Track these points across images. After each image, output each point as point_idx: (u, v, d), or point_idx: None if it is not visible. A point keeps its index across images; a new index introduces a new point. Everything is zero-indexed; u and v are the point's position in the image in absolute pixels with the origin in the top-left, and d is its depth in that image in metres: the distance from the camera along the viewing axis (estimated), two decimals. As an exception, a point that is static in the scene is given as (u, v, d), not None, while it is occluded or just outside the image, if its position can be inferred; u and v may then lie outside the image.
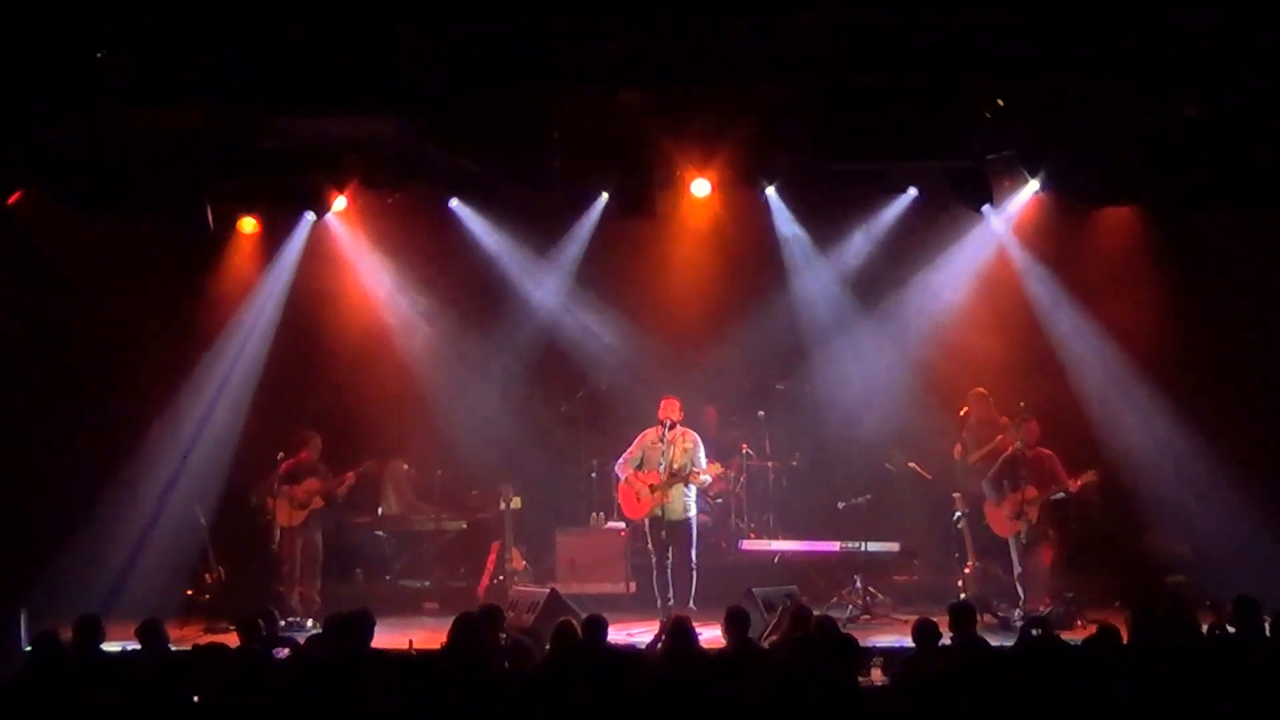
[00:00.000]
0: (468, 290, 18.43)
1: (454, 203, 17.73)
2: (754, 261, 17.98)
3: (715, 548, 17.39)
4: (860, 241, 17.70)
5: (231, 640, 11.37)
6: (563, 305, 18.27)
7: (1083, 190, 16.02)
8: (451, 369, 18.28)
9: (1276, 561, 15.07)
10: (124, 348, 17.43)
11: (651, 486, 15.16)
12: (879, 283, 17.87)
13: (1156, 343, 16.80)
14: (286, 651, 11.07)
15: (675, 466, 15.13)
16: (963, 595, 15.28)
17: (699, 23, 13.41)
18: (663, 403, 15.36)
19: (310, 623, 15.43)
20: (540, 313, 18.28)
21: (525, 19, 13.29)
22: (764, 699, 9.12)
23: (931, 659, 10.20)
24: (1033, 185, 16.50)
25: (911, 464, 17.21)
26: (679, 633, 10.45)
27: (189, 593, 16.42)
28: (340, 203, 17.18)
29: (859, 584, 16.08)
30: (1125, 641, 10.23)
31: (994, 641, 11.41)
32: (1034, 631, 10.74)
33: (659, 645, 12.23)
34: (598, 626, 10.70)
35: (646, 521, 15.34)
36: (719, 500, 17.61)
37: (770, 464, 17.92)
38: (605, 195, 17.11)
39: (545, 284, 18.24)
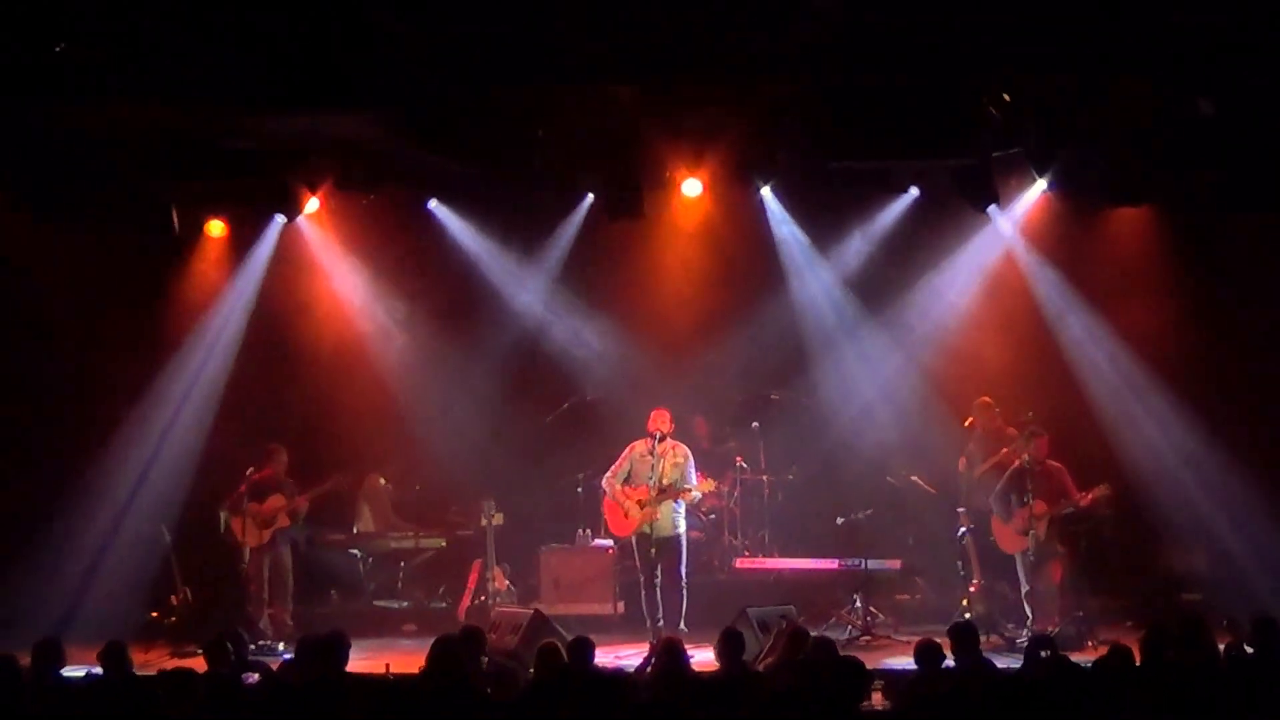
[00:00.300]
0: (447, 296, 18.44)
1: (433, 204, 17.75)
2: (747, 265, 18.01)
3: (708, 566, 17.42)
4: (859, 243, 17.72)
5: (199, 665, 11.35)
6: (547, 311, 18.29)
7: (1093, 189, 16.06)
8: (430, 379, 18.28)
9: (1298, 579, 15.15)
10: (83, 357, 17.44)
11: (640, 502, 15.13)
12: (880, 287, 17.90)
13: (1171, 349, 16.84)
14: (256, 677, 11.04)
15: (665, 482, 15.09)
16: (967, 615, 15.27)
17: (694, 16, 13.44)
18: (653, 414, 15.33)
19: (282, 646, 15.41)
20: (524, 319, 18.29)
21: (510, 10, 13.32)
22: (759, 724, 9.13)
23: (935, 682, 10.20)
24: (1040, 184, 16.53)
25: (914, 477, 17.23)
26: (669, 655, 10.45)
27: (154, 615, 16.40)
28: (313, 204, 17.19)
29: (859, 603, 16.08)
30: (1138, 663, 10.24)
31: (1000, 663, 11.43)
32: (1042, 653, 10.73)
33: (649, 668, 12.23)
34: (584, 649, 10.71)
35: (634, 539, 15.31)
36: (712, 516, 17.63)
37: (765, 478, 17.93)
38: (591, 196, 17.13)
39: (529, 289, 18.25)
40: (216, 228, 17.68)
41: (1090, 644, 14.47)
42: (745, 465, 17.82)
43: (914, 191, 17.11)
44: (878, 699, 11.07)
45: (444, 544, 17.87)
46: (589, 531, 17.28)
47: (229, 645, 11.42)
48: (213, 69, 13.58)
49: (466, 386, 18.34)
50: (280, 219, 17.43)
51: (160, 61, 13.53)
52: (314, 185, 16.91)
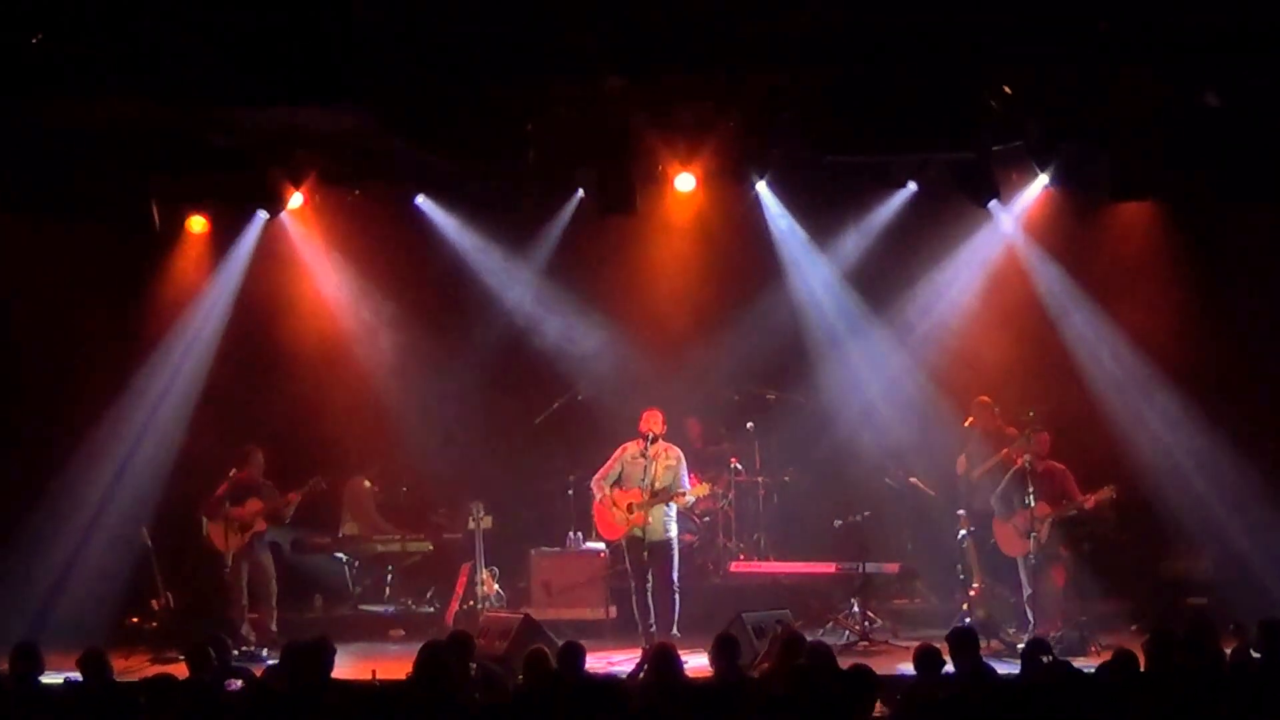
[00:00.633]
0: (434, 293, 18.44)
1: (420, 199, 17.74)
2: (742, 262, 18.01)
3: (702, 570, 17.43)
4: (856, 239, 17.72)
5: (180, 671, 11.34)
6: (537, 309, 18.26)
7: (1095, 184, 16.06)
8: (417, 378, 18.27)
9: (1305, 582, 15.18)
10: (60, 354, 17.42)
11: (631, 506, 15.13)
12: (878, 284, 17.91)
13: (1176, 346, 16.86)
14: (239, 683, 11.04)
15: (658, 485, 15.07)
16: (967, 619, 15.30)
17: (685, 7, 13.44)
18: (644, 415, 15.31)
19: (265, 652, 15.39)
20: (513, 317, 18.28)
21: (497, 1, 13.31)
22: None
23: (934, 688, 10.21)
24: (1042, 179, 16.56)
25: (913, 479, 17.24)
26: (662, 661, 10.45)
27: (134, 620, 16.40)
28: (296, 199, 17.16)
29: (856, 607, 16.09)
30: (1142, 668, 10.25)
31: (1001, 669, 11.44)
32: (1044, 658, 10.74)
33: (641, 674, 12.24)
34: (573, 655, 10.71)
35: (624, 542, 15.33)
36: (706, 519, 17.63)
37: (760, 480, 17.95)
38: (581, 192, 17.14)
39: (518, 286, 18.24)
40: (198, 223, 17.66)
41: (1093, 649, 14.48)
42: (740, 467, 17.82)
43: (912, 186, 17.11)
44: (876, 705, 11.08)
45: (431, 548, 17.88)
46: (580, 535, 17.27)
47: (211, 651, 11.42)
48: (194, 62, 13.54)
49: (454, 386, 18.33)
50: (263, 214, 17.40)
51: (141, 54, 13.49)
52: (298, 180, 16.89)
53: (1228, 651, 11.17)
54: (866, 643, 15.60)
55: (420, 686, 10.12)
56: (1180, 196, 16.33)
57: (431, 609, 17.52)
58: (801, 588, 17.04)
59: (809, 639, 11.70)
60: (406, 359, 18.30)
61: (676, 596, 15.18)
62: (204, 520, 16.37)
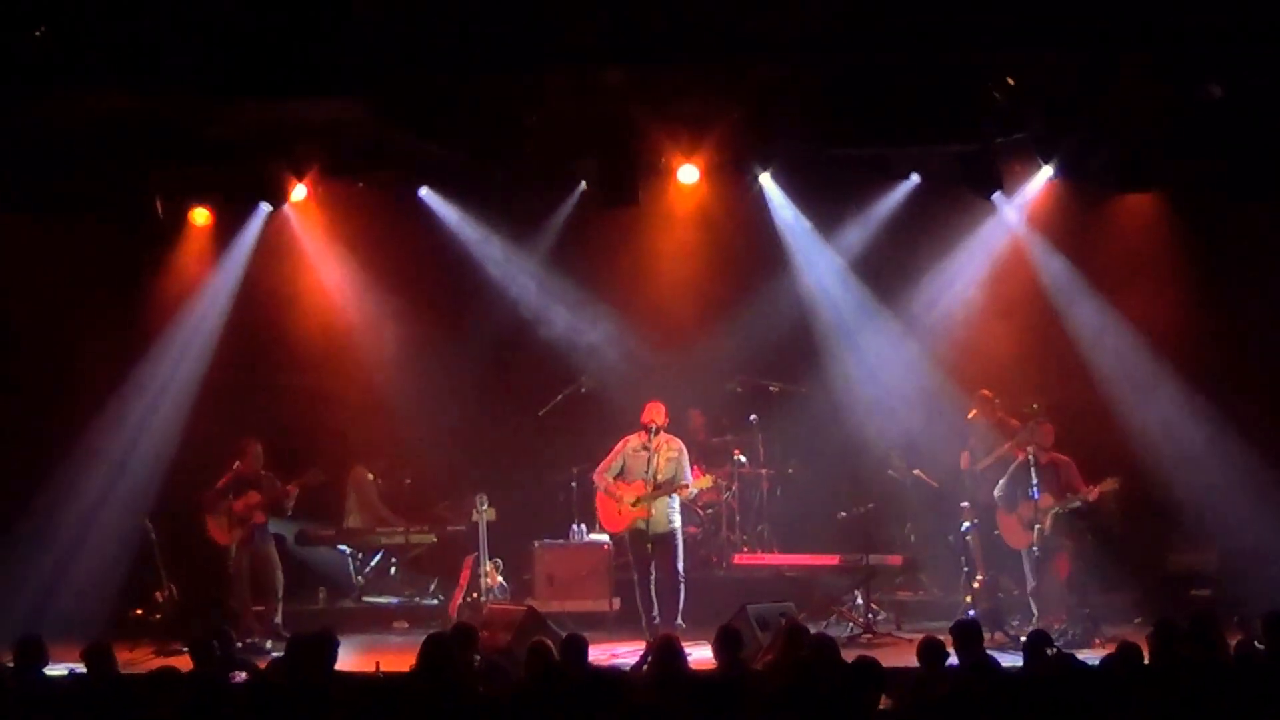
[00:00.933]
0: (438, 285, 18.44)
1: (424, 191, 17.74)
2: (745, 254, 18.01)
3: (706, 562, 17.43)
4: (859, 232, 17.71)
5: (184, 663, 11.36)
6: (540, 301, 18.26)
7: (1099, 176, 16.06)
8: (420, 370, 18.27)
9: (1310, 574, 15.17)
10: (63, 349, 17.41)
11: (635, 498, 15.13)
12: (882, 276, 17.91)
13: (1181, 339, 16.87)
14: (243, 675, 11.05)
15: (661, 477, 15.10)
16: (971, 612, 15.30)
17: (686, -3, 13.49)
18: (647, 407, 15.33)
19: (269, 644, 15.41)
20: (516, 309, 18.26)
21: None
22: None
23: (938, 680, 10.21)
24: (1046, 171, 16.55)
25: (917, 471, 17.24)
26: (666, 653, 10.46)
27: (138, 612, 16.41)
28: (300, 192, 17.14)
29: (860, 600, 16.10)
30: (1146, 661, 10.25)
31: (1005, 661, 11.44)
32: (1048, 650, 10.74)
33: (645, 667, 12.25)
34: (577, 647, 10.71)
35: (628, 535, 15.34)
36: (709, 511, 17.63)
37: (764, 472, 17.94)
38: (584, 184, 17.13)
39: (522, 278, 18.23)
40: (201, 216, 17.65)
41: (1097, 641, 14.47)
42: (743, 459, 17.81)
43: (915, 178, 17.10)
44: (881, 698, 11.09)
45: (435, 539, 17.88)
46: (584, 527, 17.26)
47: (215, 643, 11.42)
48: (195, 55, 13.57)
49: (457, 378, 18.33)
50: (265, 207, 17.40)
51: (141, 48, 13.52)
52: (300, 172, 16.87)
53: (1232, 644, 11.17)
54: (870, 635, 15.59)
55: (424, 679, 10.13)
56: (1184, 188, 16.35)
57: (435, 601, 17.54)
58: (805, 580, 17.03)
59: (813, 631, 11.71)
60: (410, 351, 18.30)
61: (681, 588, 15.20)
62: (205, 514, 16.38)
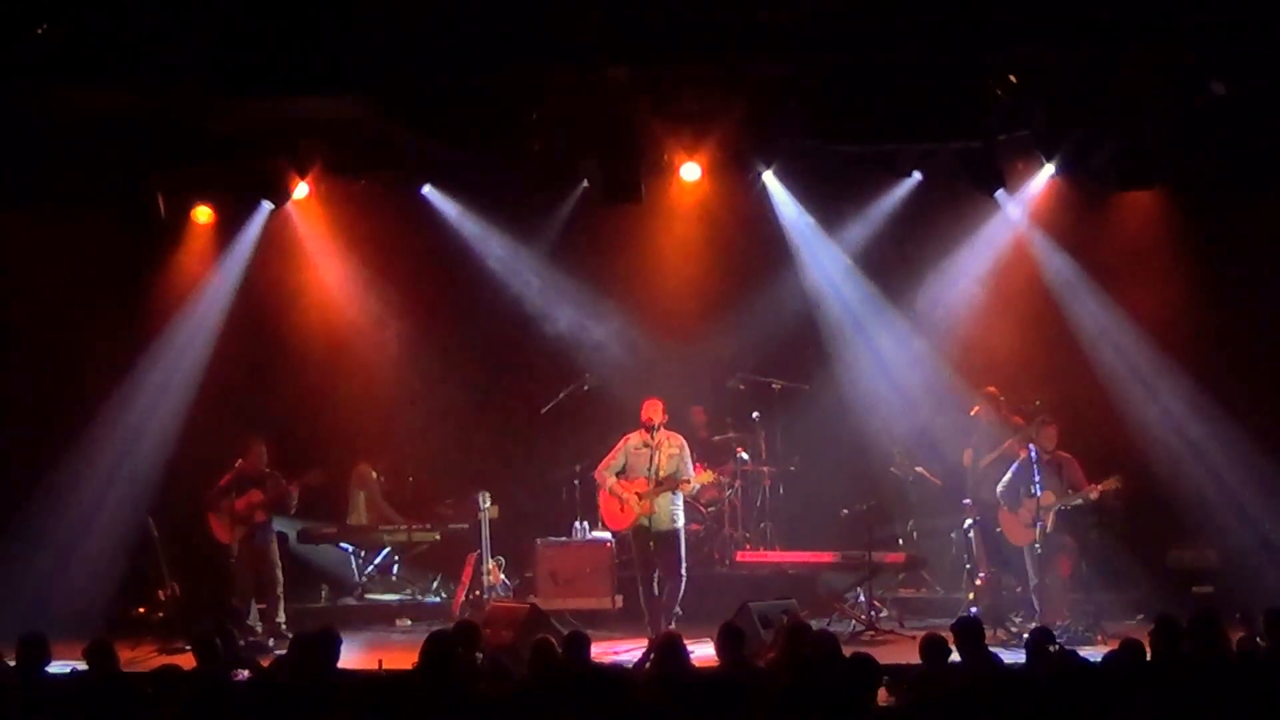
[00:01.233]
0: (440, 283, 18.45)
1: (427, 189, 17.73)
2: (748, 251, 18.01)
3: (708, 559, 17.43)
4: (862, 229, 17.71)
5: (187, 661, 11.37)
6: (543, 299, 18.25)
7: (1102, 173, 16.04)
8: (422, 368, 18.29)
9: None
10: (65, 347, 17.39)
11: (638, 495, 15.14)
12: (885, 274, 17.91)
13: (1183, 335, 16.87)
14: (246, 674, 11.06)
15: (662, 474, 15.11)
16: (974, 609, 15.32)
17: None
18: (645, 404, 15.32)
19: (272, 642, 15.41)
20: (519, 307, 18.26)
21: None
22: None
23: (940, 677, 10.22)
24: (1048, 168, 16.54)
25: (919, 468, 17.25)
26: (668, 651, 10.45)
27: (140, 610, 16.42)
28: (302, 189, 17.13)
29: (862, 597, 16.12)
30: (1148, 658, 10.26)
31: (1007, 658, 11.45)
32: (1051, 647, 10.74)
33: (647, 664, 12.25)
34: (579, 644, 10.71)
35: (631, 532, 15.35)
36: (711, 509, 17.63)
37: (767, 469, 17.93)
38: (585, 182, 17.13)
39: (524, 276, 18.22)
40: (203, 214, 17.63)
41: (1099, 638, 14.48)
42: (746, 456, 17.80)
43: (917, 176, 17.10)
44: (882, 695, 11.06)
45: (437, 537, 17.89)
46: (586, 524, 17.26)
47: (218, 642, 11.42)
48: (198, 52, 13.57)
49: (460, 376, 18.35)
50: (268, 205, 17.39)
51: (144, 45, 13.52)
52: (303, 170, 16.85)
53: (1234, 641, 11.17)
54: (873, 632, 15.61)
55: (426, 676, 10.13)
56: (1186, 185, 16.32)
57: (438, 599, 17.56)
58: (808, 577, 17.03)
59: (815, 628, 11.71)
60: (412, 349, 18.32)
61: (682, 585, 15.19)
62: (208, 512, 16.39)
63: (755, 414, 17.90)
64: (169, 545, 16.71)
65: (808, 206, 17.67)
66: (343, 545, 18.19)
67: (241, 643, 13.69)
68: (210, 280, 17.78)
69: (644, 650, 13.66)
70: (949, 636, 10.71)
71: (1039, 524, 15.11)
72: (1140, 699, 9.44)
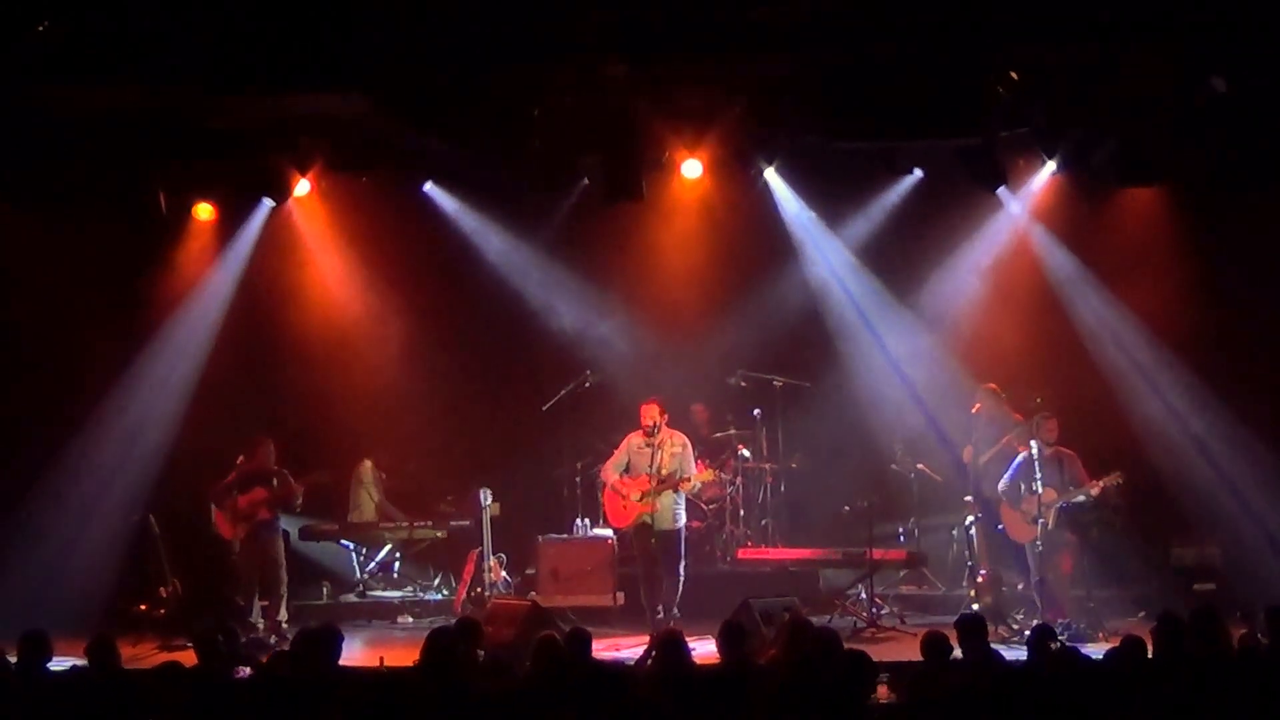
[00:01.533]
0: (442, 280, 18.43)
1: (428, 186, 17.72)
2: (749, 248, 18.00)
3: (710, 556, 17.42)
4: (864, 226, 17.70)
5: (188, 659, 11.36)
6: (545, 296, 18.24)
7: (1103, 170, 16.03)
8: (424, 365, 18.26)
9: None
10: (65, 344, 17.35)
11: (641, 493, 15.12)
12: (886, 271, 17.89)
13: (1185, 331, 16.85)
14: (248, 671, 11.06)
15: (664, 472, 15.10)
16: (975, 605, 15.31)
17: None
18: (642, 408, 15.30)
19: (274, 639, 15.40)
20: (521, 304, 18.24)
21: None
22: (763, 719, 9.12)
23: (942, 674, 10.21)
24: (1050, 165, 16.53)
25: (920, 465, 17.25)
26: (670, 648, 10.44)
27: (142, 607, 16.40)
28: (303, 186, 17.11)
29: (864, 594, 16.10)
30: (1150, 655, 10.25)
31: (1009, 655, 11.44)
32: (1052, 644, 10.73)
33: (648, 661, 12.24)
34: (581, 641, 10.70)
35: (633, 530, 15.35)
36: (713, 506, 17.62)
37: (768, 466, 17.92)
38: (586, 180, 17.12)
39: (526, 273, 18.21)
40: (205, 211, 17.60)
41: (1101, 635, 14.46)
42: (747, 454, 17.79)
43: (918, 173, 17.08)
44: (883, 692, 11.07)
45: (439, 534, 17.87)
46: (587, 521, 17.28)
47: (220, 639, 11.41)
48: (198, 49, 13.56)
49: (461, 373, 18.34)
50: (269, 202, 17.37)
51: (145, 42, 13.51)
52: (304, 167, 16.83)
53: (1236, 638, 11.16)
54: (874, 629, 15.59)
55: (428, 673, 10.13)
56: (1187, 182, 16.29)
57: (439, 596, 17.55)
58: (809, 574, 17.04)
59: (816, 625, 11.70)
60: (414, 346, 18.29)
61: (680, 586, 15.18)
62: (212, 507, 16.38)
63: (756, 411, 17.88)
64: (170, 543, 16.69)
65: (809, 204, 17.65)
66: (344, 543, 18.18)
67: (243, 640, 13.70)
68: (211, 277, 17.77)
69: (645, 647, 13.67)
70: (951, 633, 10.70)
71: (1040, 521, 15.08)
72: (1142, 696, 9.44)
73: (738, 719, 9.27)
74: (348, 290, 18.22)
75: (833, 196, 17.61)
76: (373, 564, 18.28)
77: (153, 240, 17.46)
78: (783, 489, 18.05)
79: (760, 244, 17.92)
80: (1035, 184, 17.03)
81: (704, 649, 12.02)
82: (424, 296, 18.32)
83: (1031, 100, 15.02)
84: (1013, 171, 16.51)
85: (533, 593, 16.33)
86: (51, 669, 10.94)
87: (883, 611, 16.03)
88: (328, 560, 18.14)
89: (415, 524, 17.99)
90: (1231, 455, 16.36)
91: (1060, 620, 14.54)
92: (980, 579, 15.87)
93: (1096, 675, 9.90)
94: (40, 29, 13.24)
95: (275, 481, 16.23)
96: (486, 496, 16.52)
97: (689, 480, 15.24)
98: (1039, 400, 16.15)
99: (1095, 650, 11.54)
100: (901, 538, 17.37)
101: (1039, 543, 15.14)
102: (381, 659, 12.68)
